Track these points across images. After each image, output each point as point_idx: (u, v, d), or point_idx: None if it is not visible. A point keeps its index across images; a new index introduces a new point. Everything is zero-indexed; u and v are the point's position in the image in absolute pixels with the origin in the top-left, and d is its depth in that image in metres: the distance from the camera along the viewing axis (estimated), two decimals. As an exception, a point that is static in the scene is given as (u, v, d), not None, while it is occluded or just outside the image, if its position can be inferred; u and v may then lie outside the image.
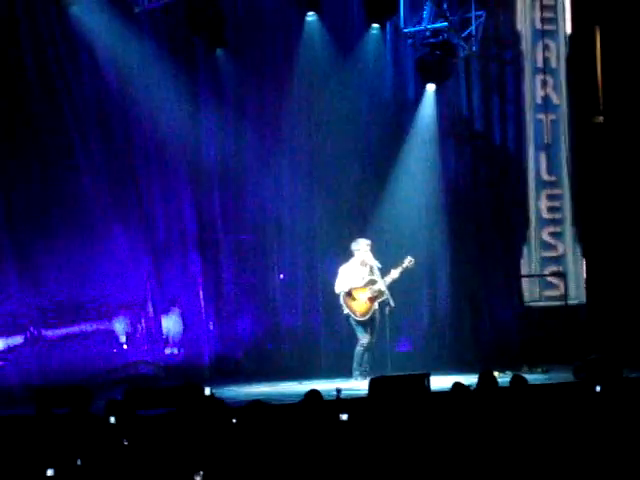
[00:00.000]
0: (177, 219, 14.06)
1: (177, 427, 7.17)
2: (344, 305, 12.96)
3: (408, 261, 13.05)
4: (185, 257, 14.11)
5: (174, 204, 14.03)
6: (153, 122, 13.73)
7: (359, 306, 12.94)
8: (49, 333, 13.01)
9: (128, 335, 13.60)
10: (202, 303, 14.18)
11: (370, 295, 12.94)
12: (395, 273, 12.97)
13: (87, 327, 13.34)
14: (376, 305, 12.94)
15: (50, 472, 6.13)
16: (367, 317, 12.92)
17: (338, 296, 13.01)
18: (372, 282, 12.96)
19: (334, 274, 13.17)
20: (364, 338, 12.90)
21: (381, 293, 12.92)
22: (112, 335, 13.50)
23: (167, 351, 13.78)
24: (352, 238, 13.41)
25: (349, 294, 12.95)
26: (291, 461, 6.24)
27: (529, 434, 7.09)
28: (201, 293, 14.17)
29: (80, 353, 13.21)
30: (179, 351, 13.86)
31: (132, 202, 13.70)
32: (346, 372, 13.05)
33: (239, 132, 14.49)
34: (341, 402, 9.91)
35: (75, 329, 13.26)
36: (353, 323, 12.99)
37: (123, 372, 13.06)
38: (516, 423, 7.38)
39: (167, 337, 13.81)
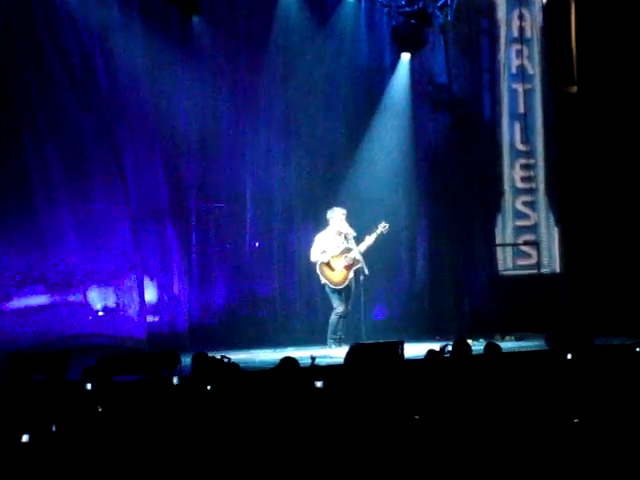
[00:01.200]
0: (152, 188, 14.00)
1: (152, 393, 7.21)
2: (320, 274, 12.98)
3: (382, 226, 13.09)
4: (160, 225, 14.07)
5: (148, 173, 13.96)
6: (128, 90, 13.67)
7: (335, 275, 12.97)
8: (22, 302, 13.03)
9: (104, 304, 13.60)
10: (177, 271, 14.16)
11: (346, 263, 12.96)
12: (369, 239, 13.02)
13: (61, 297, 13.33)
14: (352, 273, 12.98)
15: (25, 438, 6.14)
16: (343, 285, 12.96)
17: (313, 264, 13.04)
18: (347, 250, 12.98)
19: (309, 242, 13.20)
20: (340, 306, 12.93)
21: (356, 261, 12.96)
22: (87, 305, 13.51)
23: (147, 318, 13.75)
24: (327, 206, 13.43)
25: (326, 263, 12.97)
26: (266, 428, 6.28)
27: (502, 401, 7.16)
28: (176, 261, 14.15)
29: (54, 322, 13.22)
30: (153, 319, 13.83)
31: (107, 171, 13.64)
32: (321, 340, 13.10)
33: (214, 101, 14.44)
34: (315, 369, 9.98)
35: (49, 299, 13.26)
36: (329, 291, 13.03)
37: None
38: (489, 390, 7.45)
39: (143, 305, 13.78)
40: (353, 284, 13.00)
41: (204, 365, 8.41)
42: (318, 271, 13.00)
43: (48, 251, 13.26)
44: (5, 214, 13.00)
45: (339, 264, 12.97)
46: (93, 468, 5.69)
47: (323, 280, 12.99)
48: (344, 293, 12.96)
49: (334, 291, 12.98)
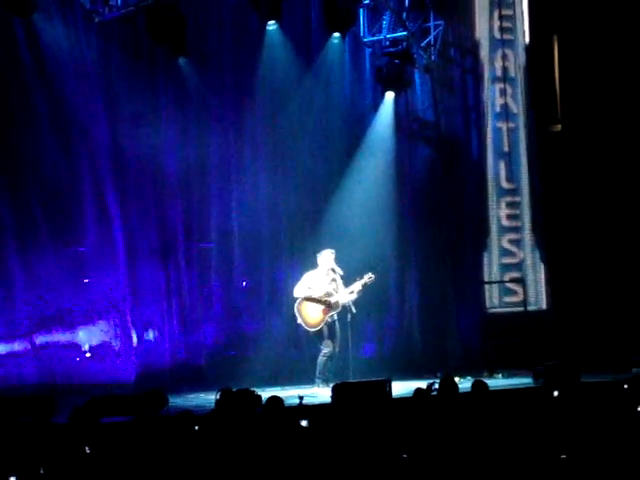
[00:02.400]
0: (140, 228, 14.01)
1: (139, 435, 7.20)
2: (297, 313, 12.98)
3: (368, 277, 13.04)
4: (147, 265, 14.06)
5: (136, 213, 13.98)
6: (115, 131, 13.72)
7: (311, 317, 12.93)
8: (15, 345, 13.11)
9: (91, 344, 13.60)
10: (165, 311, 14.16)
11: (323, 307, 12.94)
12: (353, 288, 12.96)
13: (50, 338, 13.35)
14: (329, 317, 12.94)
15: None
16: (316, 328, 12.93)
17: (294, 301, 13.03)
18: (328, 295, 12.97)
19: (297, 280, 13.21)
20: (326, 347, 12.92)
21: (337, 305, 12.94)
22: (75, 345, 13.52)
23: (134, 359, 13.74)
24: (315, 243, 13.47)
25: (303, 303, 12.97)
26: (253, 467, 6.29)
27: (489, 438, 7.18)
28: (163, 301, 14.14)
29: (43, 363, 13.22)
30: (139, 359, 13.81)
31: (94, 211, 13.67)
32: (308, 379, 13.08)
33: (201, 140, 14.47)
34: (303, 408, 9.98)
35: (39, 339, 13.28)
36: (310, 333, 13.05)
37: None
38: (477, 427, 7.47)
39: (129, 344, 13.78)
40: (337, 325, 12.99)
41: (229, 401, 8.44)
42: (296, 310, 12.98)
43: (32, 292, 13.28)
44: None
45: (316, 307, 12.95)
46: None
47: (299, 320, 12.99)
48: (326, 334, 12.94)
49: (313, 333, 12.97)
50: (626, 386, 9.21)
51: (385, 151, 15.55)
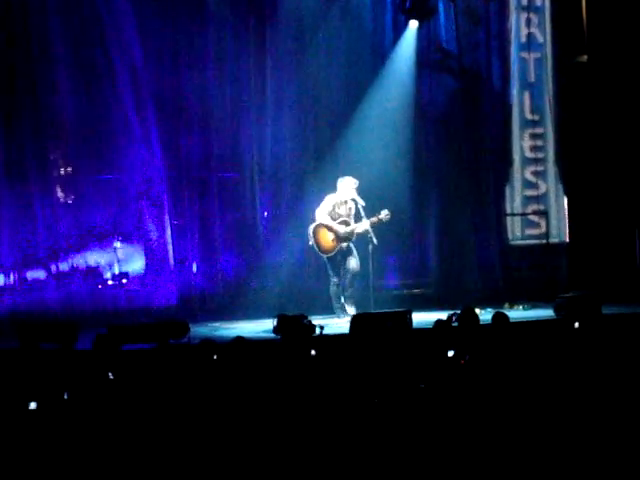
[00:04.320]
0: (161, 159, 14.01)
1: (161, 362, 7.26)
2: (312, 235, 12.96)
3: (385, 214, 12.95)
4: (170, 195, 14.09)
5: (157, 144, 13.96)
6: (134, 63, 13.69)
7: (324, 242, 12.94)
8: (35, 272, 13.20)
9: (112, 271, 13.70)
10: (187, 241, 14.21)
11: (337, 235, 12.93)
12: (367, 223, 12.90)
13: (74, 263, 13.46)
14: (343, 245, 12.95)
15: (33, 405, 6.19)
16: (328, 255, 12.94)
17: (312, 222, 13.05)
18: (345, 223, 12.96)
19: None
20: (334, 276, 12.97)
21: (351, 235, 12.93)
22: (96, 271, 13.62)
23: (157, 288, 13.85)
24: (336, 175, 13.42)
25: (320, 228, 12.96)
26: (269, 396, 6.33)
27: (509, 370, 7.19)
28: (186, 231, 14.19)
29: (67, 289, 13.35)
30: (163, 287, 13.89)
31: (122, 139, 13.72)
32: (330, 309, 13.13)
33: (223, 70, 14.41)
34: (323, 338, 10.03)
35: (61, 266, 13.37)
36: (323, 258, 13.09)
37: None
38: (497, 359, 7.48)
39: (150, 274, 13.86)
40: (349, 255, 12.97)
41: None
42: (311, 232, 12.97)
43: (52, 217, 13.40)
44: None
45: (331, 234, 12.94)
46: (106, 434, 5.74)
47: (311, 242, 12.98)
48: (336, 263, 12.96)
49: (327, 259, 13.01)
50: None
51: (406, 82, 15.39)
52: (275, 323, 10.40)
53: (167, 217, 13.89)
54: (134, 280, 13.78)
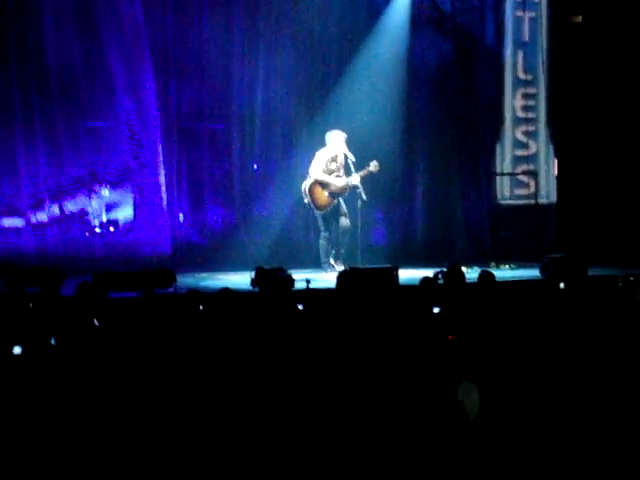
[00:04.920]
0: (150, 109, 13.92)
1: (147, 310, 7.27)
2: (307, 193, 12.96)
3: (374, 165, 12.97)
4: (157, 145, 14.01)
5: (146, 93, 13.87)
6: (123, 12, 13.59)
7: (320, 199, 12.94)
8: (20, 220, 13.19)
9: (100, 218, 13.67)
10: (175, 191, 14.16)
11: (331, 190, 12.93)
12: (360, 175, 12.90)
13: (62, 211, 13.43)
14: (337, 200, 12.97)
15: (17, 350, 6.19)
16: (323, 211, 12.95)
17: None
18: (336, 178, 12.95)
19: (307, 165, 13.17)
20: (326, 231, 12.99)
21: (344, 189, 12.93)
22: (84, 219, 13.58)
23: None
24: (325, 129, 13.38)
25: (315, 184, 12.96)
26: (254, 349, 6.35)
27: (494, 328, 7.22)
28: (172, 182, 14.13)
29: (54, 236, 13.33)
30: (150, 236, 13.87)
31: (105, 89, 13.63)
32: (317, 263, 13.16)
33: (214, 20, 14.31)
34: (310, 292, 10.04)
35: (48, 213, 13.34)
36: (315, 214, 13.08)
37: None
38: (482, 317, 7.50)
39: (137, 223, 13.83)
40: (343, 208, 12.99)
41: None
42: (304, 189, 12.96)
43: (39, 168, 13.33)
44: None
45: (325, 190, 12.94)
46: (94, 379, 5.76)
47: (307, 199, 12.98)
48: (329, 218, 12.97)
49: (318, 214, 13.01)
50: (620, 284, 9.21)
51: (400, 37, 15.30)
52: (253, 276, 10.41)
53: (161, 164, 13.81)
54: (124, 228, 13.74)
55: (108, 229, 13.68)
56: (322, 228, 13.05)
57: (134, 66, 13.63)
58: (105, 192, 13.70)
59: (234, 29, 14.47)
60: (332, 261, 12.94)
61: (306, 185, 12.98)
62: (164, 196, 13.79)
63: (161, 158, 13.80)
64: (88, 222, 13.59)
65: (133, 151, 13.68)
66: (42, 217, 13.31)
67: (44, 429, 4.98)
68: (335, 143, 12.98)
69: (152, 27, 13.85)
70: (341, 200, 13.07)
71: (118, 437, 4.88)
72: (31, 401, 5.29)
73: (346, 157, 12.95)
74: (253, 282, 10.34)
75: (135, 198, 13.78)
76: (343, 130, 13.14)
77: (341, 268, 12.47)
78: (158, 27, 13.97)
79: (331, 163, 13.01)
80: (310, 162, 13.08)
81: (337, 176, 12.95)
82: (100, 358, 6.04)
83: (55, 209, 13.37)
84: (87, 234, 13.58)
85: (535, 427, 5.15)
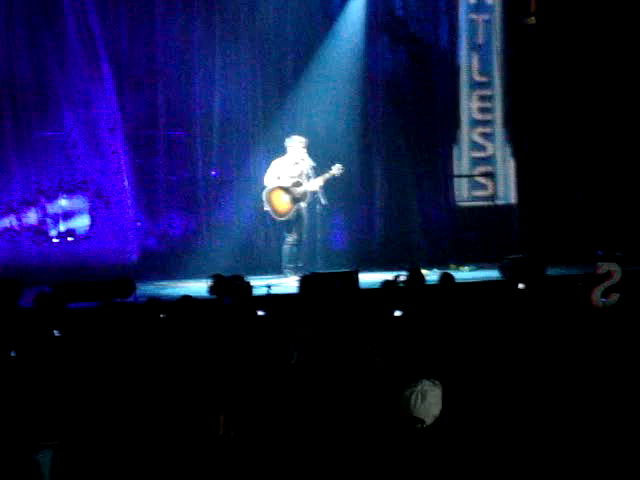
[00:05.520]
0: (107, 117, 13.87)
1: (107, 320, 7.24)
2: (265, 202, 12.96)
3: (337, 168, 12.99)
4: (116, 154, 13.95)
5: (103, 102, 13.82)
6: (87, 22, 13.55)
7: (280, 206, 12.93)
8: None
9: (59, 229, 13.60)
10: (132, 199, 14.09)
11: (292, 196, 12.93)
12: (321, 179, 12.93)
13: (20, 220, 13.35)
14: (299, 206, 12.95)
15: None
16: (284, 218, 12.94)
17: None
18: (297, 184, 12.94)
19: (265, 171, 13.17)
20: (290, 236, 12.97)
21: (305, 195, 12.93)
22: (44, 230, 13.51)
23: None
24: (282, 134, 13.38)
25: (272, 192, 12.95)
26: (216, 355, 6.34)
27: (455, 329, 7.27)
28: (131, 189, 14.06)
29: (12, 247, 13.25)
30: (108, 244, 13.81)
31: (62, 98, 13.57)
32: (277, 269, 13.15)
33: (168, 26, 14.28)
34: (270, 298, 10.05)
35: (6, 223, 13.27)
36: (277, 220, 13.06)
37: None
38: (443, 318, 7.55)
39: (95, 232, 13.76)
40: (306, 214, 13.00)
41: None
42: (264, 197, 12.96)
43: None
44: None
45: (285, 196, 12.93)
46: (56, 390, 5.73)
47: (266, 207, 12.98)
48: (293, 224, 12.96)
49: (280, 222, 13.01)
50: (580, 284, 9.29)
51: (355, 43, 15.31)
52: (210, 283, 10.38)
53: (125, 172, 13.77)
54: (82, 236, 13.67)
55: (66, 239, 13.60)
56: (286, 234, 13.02)
57: (89, 75, 13.57)
58: (62, 202, 13.62)
59: (190, 36, 14.43)
60: (295, 266, 12.91)
61: (264, 193, 12.97)
62: (129, 202, 13.75)
63: (124, 165, 13.75)
64: (45, 232, 13.51)
65: (90, 160, 13.62)
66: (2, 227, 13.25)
67: (7, 442, 4.95)
68: (295, 148, 12.99)
69: (107, 36, 13.79)
70: (302, 206, 13.03)
71: (83, 447, 4.86)
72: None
73: (304, 161, 12.96)
74: (211, 290, 10.31)
75: (93, 206, 13.71)
76: (301, 134, 13.15)
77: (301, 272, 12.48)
78: (113, 36, 13.91)
79: (292, 169, 13.00)
80: (268, 168, 13.09)
81: (297, 182, 12.93)
82: (61, 369, 6.01)
83: (9, 220, 13.28)
84: (45, 244, 13.50)
85: (496, 426, 5.19)
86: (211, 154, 14.66)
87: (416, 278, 8.91)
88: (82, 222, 13.72)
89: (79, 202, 13.69)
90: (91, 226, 13.72)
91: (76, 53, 13.49)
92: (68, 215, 13.66)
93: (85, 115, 13.67)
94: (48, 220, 13.53)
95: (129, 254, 13.69)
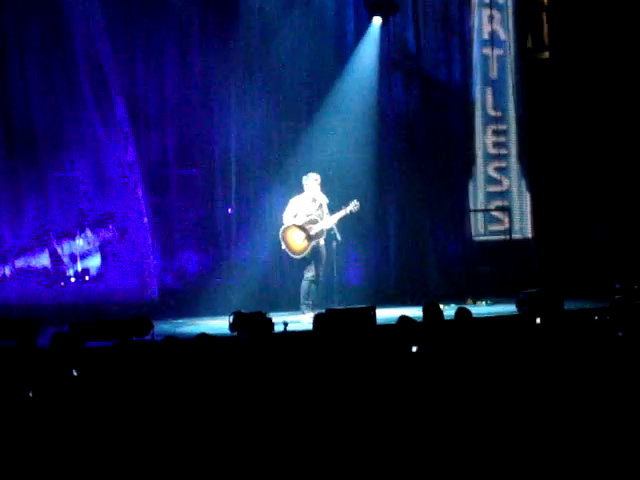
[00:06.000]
0: (123, 156, 13.94)
1: (124, 359, 7.22)
2: (282, 240, 12.96)
3: (353, 205, 12.99)
4: (132, 193, 14.01)
5: (120, 142, 13.90)
6: (92, 61, 13.66)
7: (296, 244, 12.91)
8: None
9: (76, 270, 13.64)
10: (149, 238, 14.13)
11: (308, 234, 12.91)
12: (338, 215, 12.93)
13: (36, 262, 13.41)
14: (315, 242, 12.92)
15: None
16: (301, 255, 12.91)
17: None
18: (313, 222, 12.93)
19: (282, 208, 13.19)
20: (308, 272, 12.94)
21: (322, 232, 12.92)
22: (60, 271, 13.56)
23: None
24: (297, 172, 13.42)
25: (289, 230, 12.94)
26: (234, 394, 6.32)
27: (473, 364, 7.22)
28: (148, 228, 14.11)
29: (29, 287, 13.30)
30: (124, 284, 13.85)
31: (77, 139, 13.67)
32: (294, 306, 13.13)
33: (185, 65, 14.38)
34: (288, 335, 10.03)
35: (24, 263, 13.32)
36: (295, 258, 13.05)
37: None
38: (461, 353, 7.51)
39: (112, 270, 13.80)
40: (323, 251, 12.99)
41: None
42: (281, 236, 12.96)
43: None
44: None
45: (301, 234, 12.91)
46: (74, 430, 5.72)
47: (283, 246, 12.98)
48: (311, 260, 12.93)
49: (298, 259, 13.00)
50: (608, 317, 9.24)
51: (369, 79, 15.40)
52: (231, 320, 10.41)
53: (144, 209, 13.86)
54: (99, 275, 13.72)
55: (83, 278, 13.64)
56: (304, 270, 12.99)
57: (101, 116, 13.67)
58: (79, 241, 13.67)
59: (206, 77, 14.52)
60: (313, 302, 12.88)
61: (280, 231, 12.98)
62: (148, 241, 13.82)
63: (143, 203, 13.83)
64: (61, 272, 13.56)
65: (107, 199, 13.71)
66: (18, 268, 13.30)
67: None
68: (311, 186, 13.00)
69: (122, 76, 13.89)
70: (321, 243, 13.01)
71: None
72: (11, 456, 5.25)
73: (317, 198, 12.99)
74: (231, 326, 10.33)
75: (110, 245, 13.76)
76: (315, 171, 13.19)
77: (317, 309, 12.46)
78: (128, 76, 14.01)
79: (309, 206, 13.00)
80: (285, 204, 13.11)
81: (315, 219, 12.93)
82: (79, 409, 6.00)
83: (24, 261, 13.36)
84: (62, 284, 13.54)
85: (515, 458, 5.16)
86: (227, 192, 14.71)
87: (433, 313, 8.87)
88: (95, 262, 13.76)
89: (93, 241, 13.73)
90: (104, 265, 13.76)
91: (88, 95, 13.60)
92: (83, 255, 13.70)
93: (101, 155, 13.75)
94: (65, 259, 13.58)
95: (150, 292, 13.72)
